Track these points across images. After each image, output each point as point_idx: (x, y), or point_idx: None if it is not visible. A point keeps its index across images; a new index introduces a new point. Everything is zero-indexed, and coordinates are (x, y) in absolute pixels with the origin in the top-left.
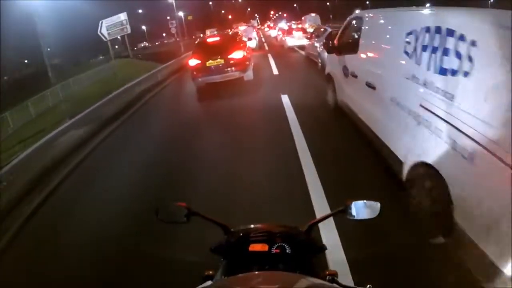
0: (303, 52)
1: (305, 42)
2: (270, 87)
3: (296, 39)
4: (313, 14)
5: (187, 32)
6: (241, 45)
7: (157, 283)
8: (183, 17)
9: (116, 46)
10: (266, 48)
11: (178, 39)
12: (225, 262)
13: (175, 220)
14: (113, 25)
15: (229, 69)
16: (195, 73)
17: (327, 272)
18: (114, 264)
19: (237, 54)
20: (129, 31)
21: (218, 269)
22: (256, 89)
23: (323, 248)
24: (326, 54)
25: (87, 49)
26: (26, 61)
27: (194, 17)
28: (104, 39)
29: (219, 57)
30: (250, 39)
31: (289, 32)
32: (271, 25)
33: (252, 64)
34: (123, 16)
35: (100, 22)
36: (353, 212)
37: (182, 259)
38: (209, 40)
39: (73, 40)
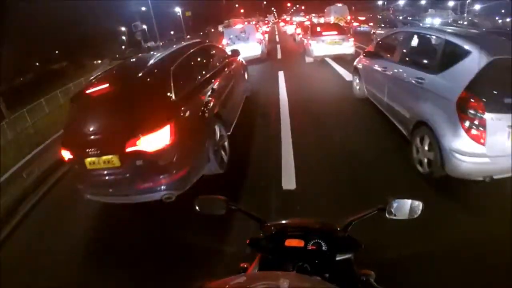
0: (344, 74)
1: (347, 49)
2: None
3: (329, 45)
4: (339, 5)
5: (188, 30)
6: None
7: None
8: (181, 14)
9: (123, 47)
10: (279, 56)
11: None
12: (261, 256)
13: (213, 212)
14: None
15: (140, 183)
16: (74, 182)
17: (362, 272)
18: None
19: (156, 141)
20: None
21: (254, 262)
22: None
23: (360, 246)
24: None
25: (92, 50)
26: (37, 63)
27: (202, 13)
28: None
29: (107, 151)
30: (235, 54)
31: (314, 32)
32: (287, 19)
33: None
34: None
35: None
36: (393, 210)
37: None
38: (97, 90)
39: (80, 40)
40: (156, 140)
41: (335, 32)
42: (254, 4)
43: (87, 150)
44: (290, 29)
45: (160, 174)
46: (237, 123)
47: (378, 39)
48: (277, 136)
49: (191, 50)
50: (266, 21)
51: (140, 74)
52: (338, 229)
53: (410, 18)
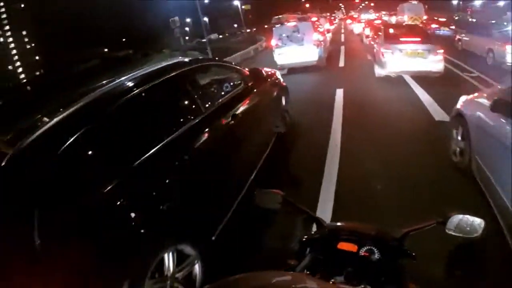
0: (430, 105)
1: (433, 65)
2: None
3: (408, 58)
4: (414, 2)
5: (248, 24)
6: None
7: None
8: (240, 8)
9: (187, 37)
10: (341, 63)
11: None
12: (310, 255)
13: (269, 206)
14: None
15: None
16: None
17: (410, 285)
18: None
19: None
20: None
21: (302, 260)
22: None
23: (413, 258)
24: None
25: (156, 40)
26: (106, 49)
27: (266, 6)
28: None
29: None
30: (260, 74)
31: (388, 36)
32: (355, 15)
33: None
34: None
35: None
36: (453, 225)
37: None
38: None
39: (146, 29)
40: None
41: (418, 39)
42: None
43: None
44: (357, 28)
45: None
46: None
47: None
48: None
49: (142, 88)
50: (332, 18)
51: None
52: (395, 237)
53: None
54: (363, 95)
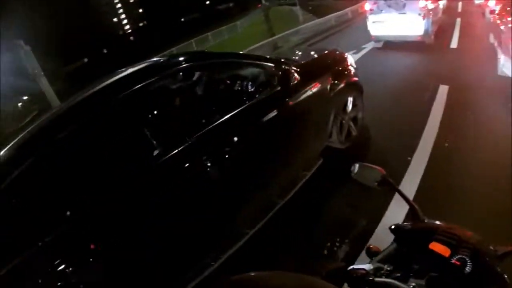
0: None
1: None
2: None
3: None
4: None
5: None
6: None
7: None
8: None
9: None
10: (454, 43)
11: None
12: (395, 246)
13: (366, 182)
14: None
15: None
16: None
17: None
18: None
19: None
20: None
21: (386, 248)
22: None
23: (506, 285)
24: None
25: None
26: (207, 2)
27: None
28: None
29: None
30: (284, 72)
31: None
32: None
33: None
34: None
35: None
36: None
37: None
38: None
39: None
40: None
41: None
42: None
43: None
44: None
45: None
46: None
47: None
48: None
49: None
50: None
51: None
52: (495, 253)
53: None
54: (475, 104)
